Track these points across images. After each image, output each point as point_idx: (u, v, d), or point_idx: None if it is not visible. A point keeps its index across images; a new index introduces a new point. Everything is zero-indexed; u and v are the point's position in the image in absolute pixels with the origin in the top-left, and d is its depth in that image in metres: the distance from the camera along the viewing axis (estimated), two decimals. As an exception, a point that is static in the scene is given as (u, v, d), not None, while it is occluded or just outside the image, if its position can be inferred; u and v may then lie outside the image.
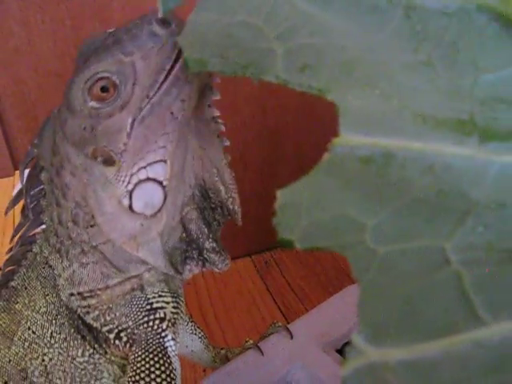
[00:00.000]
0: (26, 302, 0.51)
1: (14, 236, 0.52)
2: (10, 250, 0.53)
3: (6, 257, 0.53)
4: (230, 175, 0.47)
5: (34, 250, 0.51)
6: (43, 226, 0.51)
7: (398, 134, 0.24)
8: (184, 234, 0.48)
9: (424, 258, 0.24)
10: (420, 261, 0.24)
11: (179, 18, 0.39)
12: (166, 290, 0.49)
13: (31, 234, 0.51)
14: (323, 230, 0.24)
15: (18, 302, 0.52)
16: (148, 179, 0.44)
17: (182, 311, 0.49)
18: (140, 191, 0.44)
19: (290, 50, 0.24)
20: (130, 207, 0.44)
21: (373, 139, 0.24)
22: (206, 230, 0.48)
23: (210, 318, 0.77)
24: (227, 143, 0.46)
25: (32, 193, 0.50)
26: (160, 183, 0.44)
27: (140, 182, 0.44)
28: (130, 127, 0.42)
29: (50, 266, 0.50)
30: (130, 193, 0.44)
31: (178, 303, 0.49)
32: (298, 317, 0.67)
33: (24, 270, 0.52)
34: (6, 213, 0.51)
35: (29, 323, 0.51)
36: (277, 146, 0.88)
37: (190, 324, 0.62)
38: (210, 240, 0.48)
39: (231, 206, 0.48)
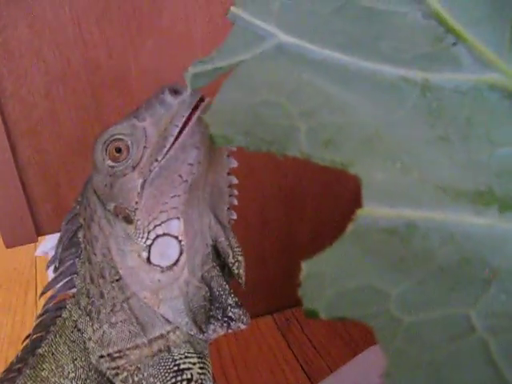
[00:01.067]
0: (53, 368, 0.52)
1: (43, 293, 0.54)
2: (41, 315, 0.54)
3: (36, 322, 0.54)
4: (235, 239, 0.50)
5: (63, 315, 0.53)
6: (74, 290, 0.52)
7: (420, 206, 0.25)
8: (208, 293, 0.49)
9: (449, 326, 0.25)
10: (445, 329, 0.25)
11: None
12: (191, 351, 0.50)
13: (62, 297, 0.53)
14: (348, 300, 0.25)
15: (44, 369, 0.52)
16: (164, 234, 0.46)
17: (208, 371, 0.50)
18: (157, 245, 0.47)
19: (313, 127, 0.25)
20: (148, 259, 0.47)
21: (396, 211, 0.25)
22: (226, 286, 0.49)
23: (232, 378, 0.76)
24: (235, 202, 0.49)
25: (67, 252, 0.52)
26: (175, 237, 0.46)
27: (157, 236, 0.46)
28: (141, 188, 0.45)
29: (79, 330, 0.51)
30: (149, 247, 0.46)
31: (204, 364, 0.50)
32: (320, 375, 0.66)
33: (52, 336, 0.53)
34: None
35: None
36: (296, 203, 0.89)
37: None
38: (232, 295, 0.49)
39: (236, 271, 0.50)
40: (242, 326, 0.49)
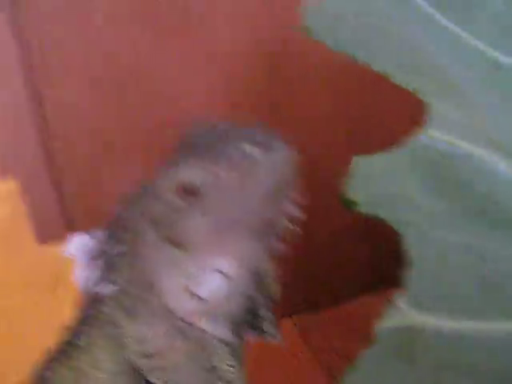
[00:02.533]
0: (90, 360, 0.53)
1: (83, 290, 0.55)
2: (82, 308, 0.55)
3: (76, 315, 0.55)
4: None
5: (102, 309, 0.53)
6: (114, 287, 0.53)
7: (476, 145, 0.28)
8: (249, 306, 0.50)
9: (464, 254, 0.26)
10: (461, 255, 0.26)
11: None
12: (228, 353, 0.51)
13: (101, 293, 0.53)
14: (386, 201, 0.27)
15: (81, 360, 0.53)
16: (215, 270, 0.47)
17: (242, 374, 0.51)
18: (207, 279, 0.47)
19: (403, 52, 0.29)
20: (194, 292, 0.47)
21: (456, 141, 0.27)
22: (267, 301, 0.51)
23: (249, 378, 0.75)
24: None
25: (109, 251, 0.53)
26: (225, 275, 0.47)
27: (208, 270, 0.47)
28: (205, 228, 0.46)
29: (117, 326, 0.52)
30: (197, 279, 0.47)
31: (239, 366, 0.51)
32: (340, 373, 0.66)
33: (90, 329, 0.54)
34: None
35: (91, 382, 0.53)
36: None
37: None
38: (267, 309, 0.51)
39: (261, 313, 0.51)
40: (271, 341, 0.51)
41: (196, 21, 0.75)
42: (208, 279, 0.47)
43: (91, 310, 0.54)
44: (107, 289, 0.53)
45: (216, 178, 0.45)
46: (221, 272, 0.47)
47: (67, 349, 0.54)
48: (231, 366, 0.51)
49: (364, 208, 0.27)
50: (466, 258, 0.27)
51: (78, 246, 1.10)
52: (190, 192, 0.46)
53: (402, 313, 0.25)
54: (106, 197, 0.79)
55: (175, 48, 0.75)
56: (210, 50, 0.76)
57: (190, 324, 0.50)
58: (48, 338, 0.81)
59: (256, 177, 0.44)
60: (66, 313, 0.75)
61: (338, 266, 0.91)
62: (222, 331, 0.50)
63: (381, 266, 0.80)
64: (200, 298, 0.48)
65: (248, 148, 0.43)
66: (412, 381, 0.25)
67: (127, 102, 0.77)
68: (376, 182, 0.27)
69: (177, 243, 0.47)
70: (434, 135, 0.28)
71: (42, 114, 0.76)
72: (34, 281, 1.13)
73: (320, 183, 0.81)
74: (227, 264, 0.47)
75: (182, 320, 0.50)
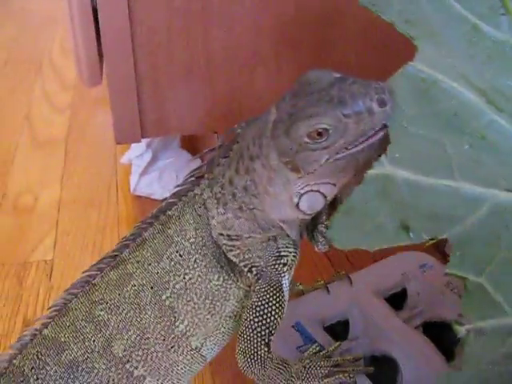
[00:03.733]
0: (178, 230, 0.64)
1: (188, 177, 0.66)
2: (178, 186, 0.66)
3: (173, 190, 0.66)
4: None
5: (195, 191, 0.65)
6: (211, 176, 0.64)
7: (446, 78, 0.44)
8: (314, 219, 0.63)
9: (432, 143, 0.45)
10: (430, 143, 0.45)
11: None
12: (291, 243, 0.63)
13: (198, 177, 0.65)
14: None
15: (170, 228, 0.64)
16: (317, 191, 0.58)
17: (297, 260, 0.64)
18: (309, 197, 0.58)
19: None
20: (297, 204, 0.59)
21: (433, 72, 0.44)
22: (324, 217, 0.63)
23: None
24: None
25: (219, 152, 0.64)
26: (325, 197, 0.58)
27: (312, 191, 0.58)
28: (324, 162, 0.55)
29: (206, 208, 0.63)
30: (301, 195, 0.58)
31: (297, 253, 0.64)
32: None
33: (182, 204, 0.65)
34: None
35: (177, 247, 0.64)
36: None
37: None
38: (324, 226, 0.63)
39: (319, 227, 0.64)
40: (316, 249, 0.64)
41: None
42: (310, 196, 0.58)
43: (187, 188, 0.65)
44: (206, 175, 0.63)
45: (343, 125, 0.53)
46: (323, 194, 0.58)
47: (160, 216, 0.65)
48: (292, 253, 0.63)
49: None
50: (431, 145, 0.43)
51: (132, 156, 1.29)
52: (319, 134, 0.54)
53: (383, 166, 0.42)
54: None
55: None
56: None
57: (272, 225, 0.61)
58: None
59: (373, 127, 0.52)
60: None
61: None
62: (292, 233, 0.62)
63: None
64: (299, 209, 0.59)
65: (368, 103, 0.51)
66: (386, 213, 0.41)
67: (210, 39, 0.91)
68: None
69: (294, 168, 0.57)
70: (418, 67, 0.45)
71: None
72: (89, 187, 1.33)
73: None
74: (330, 190, 0.57)
75: (267, 222, 0.61)
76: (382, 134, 0.52)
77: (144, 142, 1.21)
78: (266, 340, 0.60)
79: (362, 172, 0.52)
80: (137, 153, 1.28)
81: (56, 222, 1.24)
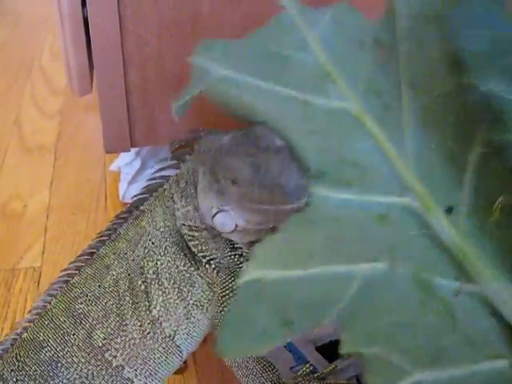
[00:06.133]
0: (150, 221, 0.71)
1: (156, 171, 0.73)
2: (149, 180, 0.74)
3: (145, 184, 0.74)
4: None
5: (164, 186, 0.72)
6: (178, 171, 0.71)
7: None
8: None
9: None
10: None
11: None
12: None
13: (166, 173, 0.72)
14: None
15: (143, 221, 0.71)
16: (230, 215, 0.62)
17: None
18: (222, 216, 0.63)
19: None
20: (213, 217, 0.64)
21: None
22: None
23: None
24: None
25: (184, 148, 0.71)
26: (236, 226, 0.63)
27: (226, 211, 0.62)
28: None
29: (173, 201, 0.70)
30: (219, 211, 0.63)
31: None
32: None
33: (153, 198, 0.72)
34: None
35: (150, 236, 0.70)
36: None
37: None
38: None
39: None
40: None
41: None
42: (225, 217, 0.62)
43: (156, 183, 0.72)
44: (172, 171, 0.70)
45: (256, 168, 0.58)
46: (235, 223, 0.62)
47: (133, 211, 0.72)
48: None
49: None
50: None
51: (121, 164, 1.29)
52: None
53: (250, 272, 0.43)
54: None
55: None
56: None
57: None
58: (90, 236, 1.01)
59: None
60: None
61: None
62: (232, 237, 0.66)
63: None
64: (212, 222, 0.64)
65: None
66: (266, 315, 0.41)
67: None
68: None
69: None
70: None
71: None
72: (78, 193, 1.34)
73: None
74: (242, 223, 0.61)
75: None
76: None
77: (133, 150, 1.21)
78: None
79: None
80: (126, 161, 1.29)
81: (44, 228, 1.24)
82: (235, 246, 0.68)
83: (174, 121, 0.97)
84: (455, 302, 0.43)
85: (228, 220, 0.62)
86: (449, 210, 0.45)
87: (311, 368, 0.68)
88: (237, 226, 0.62)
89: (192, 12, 0.93)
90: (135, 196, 0.74)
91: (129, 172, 1.28)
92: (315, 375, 0.67)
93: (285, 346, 0.75)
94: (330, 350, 0.77)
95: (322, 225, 0.46)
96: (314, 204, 0.46)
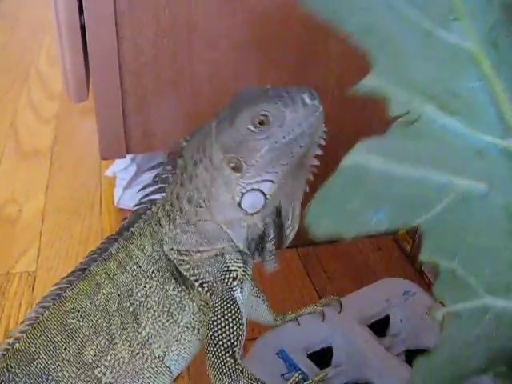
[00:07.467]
0: (138, 244, 0.69)
1: (140, 189, 0.72)
2: (137, 204, 0.72)
3: (134, 208, 0.73)
4: (299, 211, 0.66)
5: (152, 209, 0.71)
6: (164, 194, 0.70)
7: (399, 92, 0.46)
8: (261, 233, 0.66)
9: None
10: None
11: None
12: (239, 258, 0.67)
13: (153, 197, 0.71)
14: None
15: (132, 243, 0.70)
16: (258, 189, 0.63)
17: (248, 275, 0.68)
18: (250, 195, 0.63)
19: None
20: (239, 204, 0.63)
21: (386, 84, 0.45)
22: (273, 235, 0.66)
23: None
24: (307, 190, 0.66)
25: (166, 168, 0.70)
26: (264, 195, 0.63)
27: (252, 189, 0.63)
28: (265, 152, 0.61)
29: (161, 225, 0.68)
30: (243, 194, 0.63)
31: (246, 269, 0.68)
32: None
33: (142, 222, 0.70)
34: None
35: (138, 259, 0.69)
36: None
37: (255, 289, 0.80)
38: (273, 243, 0.66)
39: (287, 233, 0.67)
40: (266, 268, 0.67)
41: None
42: (251, 195, 0.62)
43: (145, 207, 0.71)
44: (159, 194, 0.69)
45: (281, 115, 0.60)
46: (262, 192, 0.62)
47: (123, 233, 0.70)
48: (241, 268, 0.66)
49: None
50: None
51: (116, 169, 1.29)
52: (261, 123, 0.61)
53: (356, 155, 0.42)
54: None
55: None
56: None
57: (219, 236, 0.65)
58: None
59: (306, 118, 0.60)
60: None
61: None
62: (239, 242, 0.65)
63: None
64: (241, 208, 0.63)
65: (301, 95, 0.60)
66: (360, 201, 0.42)
67: (191, 54, 0.93)
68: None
69: (237, 166, 0.62)
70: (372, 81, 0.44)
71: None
72: (73, 196, 1.34)
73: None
74: (269, 187, 0.62)
75: (213, 232, 0.65)
76: (310, 124, 0.60)
77: (128, 156, 1.22)
78: (230, 352, 0.63)
79: (299, 167, 0.62)
80: (121, 166, 1.29)
81: (40, 233, 1.24)
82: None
83: (169, 129, 1.00)
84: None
85: (254, 196, 0.63)
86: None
87: (302, 375, 0.69)
88: (266, 196, 0.63)
89: (188, 20, 0.94)
90: (124, 219, 0.73)
91: (124, 177, 1.29)
92: (306, 383, 0.68)
93: (276, 353, 0.76)
94: (321, 358, 0.78)
95: (426, 139, 0.45)
96: (422, 120, 0.45)
